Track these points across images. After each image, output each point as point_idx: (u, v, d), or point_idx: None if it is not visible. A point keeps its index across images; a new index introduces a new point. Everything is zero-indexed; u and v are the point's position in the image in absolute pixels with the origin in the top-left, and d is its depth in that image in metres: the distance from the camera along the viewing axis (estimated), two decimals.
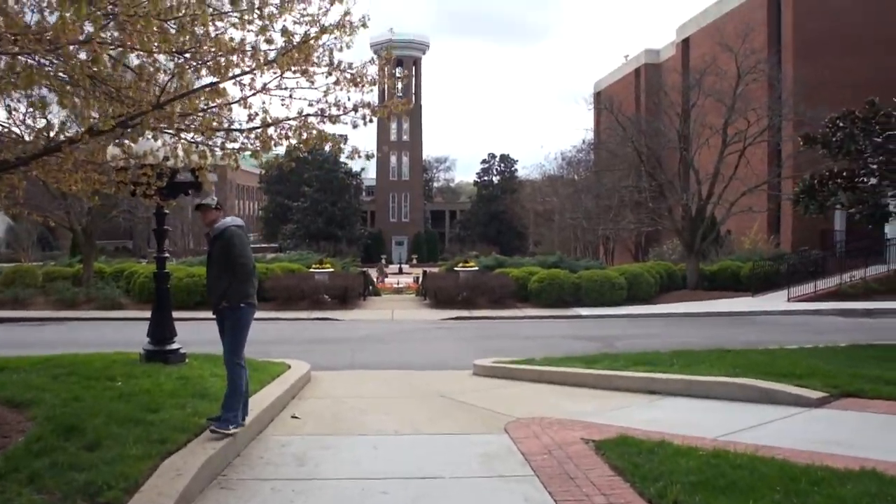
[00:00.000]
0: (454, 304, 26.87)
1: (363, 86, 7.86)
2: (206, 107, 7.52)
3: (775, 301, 28.06)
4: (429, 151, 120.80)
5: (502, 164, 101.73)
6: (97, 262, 32.33)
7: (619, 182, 38.74)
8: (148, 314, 23.23)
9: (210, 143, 8.21)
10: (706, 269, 31.18)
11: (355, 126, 8.60)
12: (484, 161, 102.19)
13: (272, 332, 21.18)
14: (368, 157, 8.72)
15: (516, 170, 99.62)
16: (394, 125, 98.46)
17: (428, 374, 13.29)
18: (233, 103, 7.74)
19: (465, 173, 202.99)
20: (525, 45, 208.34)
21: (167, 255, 12.65)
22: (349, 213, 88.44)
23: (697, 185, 30.86)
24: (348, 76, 7.67)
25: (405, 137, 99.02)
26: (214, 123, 7.65)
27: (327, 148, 8.25)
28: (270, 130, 8.14)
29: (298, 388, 11.28)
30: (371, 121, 8.57)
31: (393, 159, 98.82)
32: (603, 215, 44.96)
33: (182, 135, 8.29)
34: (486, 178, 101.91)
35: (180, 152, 8.71)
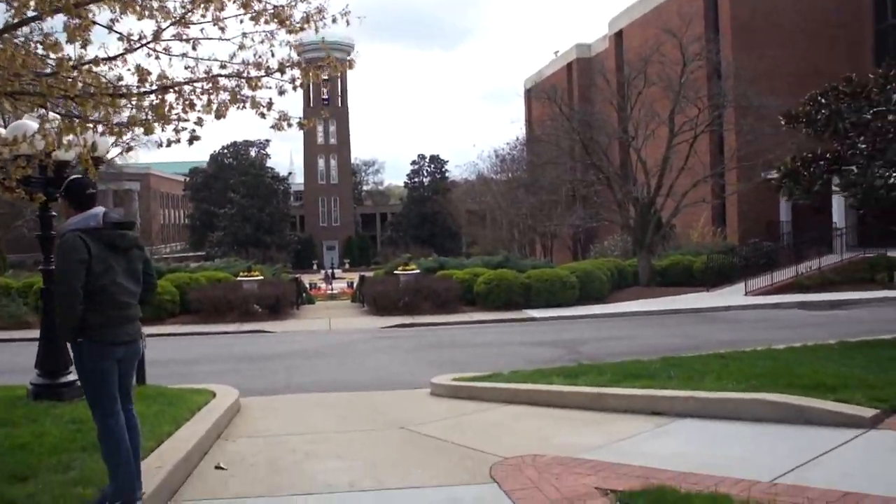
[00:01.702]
0: (395, 311, 24.91)
1: (291, 28, 5.95)
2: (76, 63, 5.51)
3: (733, 295, 26.80)
4: (357, 154, 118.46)
5: (432, 165, 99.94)
6: (4, 276, 29.54)
7: (561, 177, 37.21)
8: None
9: (91, 117, 6.20)
10: (657, 264, 29.82)
11: (282, 92, 6.71)
12: (414, 162, 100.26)
13: (196, 349, 19.01)
14: (301, 125, 6.78)
15: (447, 170, 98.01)
16: (320, 128, 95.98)
17: (379, 396, 11.34)
18: (115, 58, 5.75)
19: (394, 176, 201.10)
20: (448, 49, 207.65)
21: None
22: (278, 218, 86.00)
23: (646, 177, 29.44)
24: (270, 8, 5.73)
25: (332, 140, 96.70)
26: (89, 88, 5.62)
27: (249, 108, 6.26)
28: (170, 97, 6.16)
29: (225, 422, 9.26)
30: (301, 85, 6.69)
31: (321, 163, 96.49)
32: (546, 211, 43.42)
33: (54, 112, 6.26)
34: (416, 179, 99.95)
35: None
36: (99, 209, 5.58)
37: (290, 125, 6.62)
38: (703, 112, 29.79)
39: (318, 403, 10.87)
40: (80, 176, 6.15)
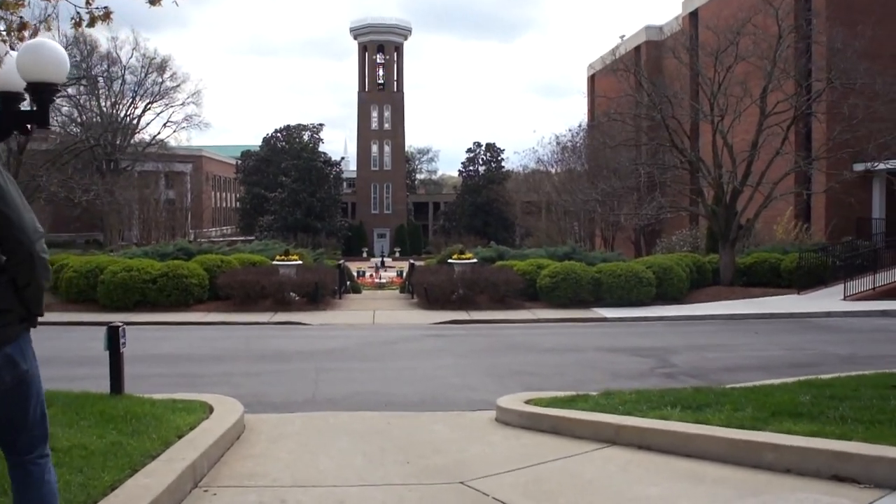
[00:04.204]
0: (448, 304, 22.14)
1: None
2: None
3: (829, 299, 23.56)
4: (411, 142, 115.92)
5: (488, 154, 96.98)
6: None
7: (635, 161, 34.00)
8: (76, 317, 18.02)
9: None
10: (740, 261, 26.61)
11: None
12: (469, 150, 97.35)
13: (217, 343, 16.46)
14: None
15: (503, 159, 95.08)
16: (375, 113, 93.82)
17: (427, 421, 8.57)
18: None
19: (448, 167, 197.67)
20: (505, 41, 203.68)
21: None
22: (329, 203, 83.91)
23: (732, 163, 26.20)
24: None
25: (387, 126, 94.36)
26: None
27: None
28: None
29: (214, 457, 6.62)
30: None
31: (374, 148, 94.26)
32: (613, 201, 40.22)
33: None
34: (471, 167, 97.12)
35: None
36: None
37: None
38: (801, 90, 26.50)
39: (346, 429, 8.15)
40: None
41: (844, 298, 23.50)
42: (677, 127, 27.27)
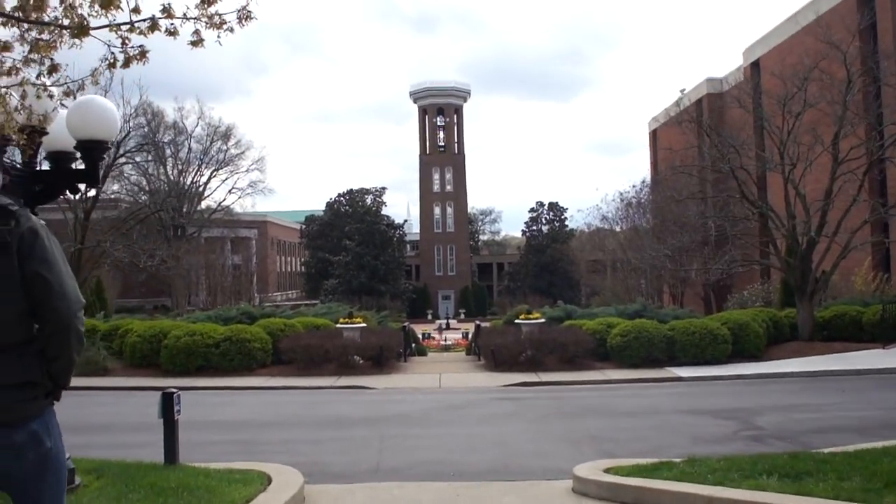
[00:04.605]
0: (516, 366, 21.47)
1: None
2: None
3: None
4: (473, 203, 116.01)
5: (551, 213, 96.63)
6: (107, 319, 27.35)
7: (703, 214, 33.12)
8: (139, 381, 17.99)
9: None
10: (818, 315, 25.46)
11: None
12: (532, 210, 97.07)
13: (279, 408, 16.08)
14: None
15: (566, 218, 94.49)
16: (436, 175, 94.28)
17: (498, 493, 7.96)
18: None
19: (511, 227, 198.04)
20: (562, 101, 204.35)
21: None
22: (393, 266, 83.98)
23: (805, 212, 25.24)
24: None
25: (448, 188, 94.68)
26: None
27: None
28: None
29: None
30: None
31: (437, 210, 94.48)
32: (680, 256, 39.26)
33: None
34: (534, 227, 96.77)
35: None
36: None
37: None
38: (874, 134, 25.58)
39: (412, 500, 7.63)
40: None
41: None
42: (746, 178, 26.47)
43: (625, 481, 7.37)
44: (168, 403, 8.07)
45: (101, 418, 14.21)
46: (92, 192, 37.35)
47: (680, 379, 19.62)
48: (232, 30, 3.67)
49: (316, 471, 9.19)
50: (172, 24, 3.51)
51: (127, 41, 3.53)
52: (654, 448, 10.42)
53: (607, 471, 7.97)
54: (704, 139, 29.47)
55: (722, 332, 21.71)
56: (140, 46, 3.51)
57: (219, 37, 3.67)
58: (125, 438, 11.96)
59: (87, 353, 21.94)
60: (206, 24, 3.62)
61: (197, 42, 3.67)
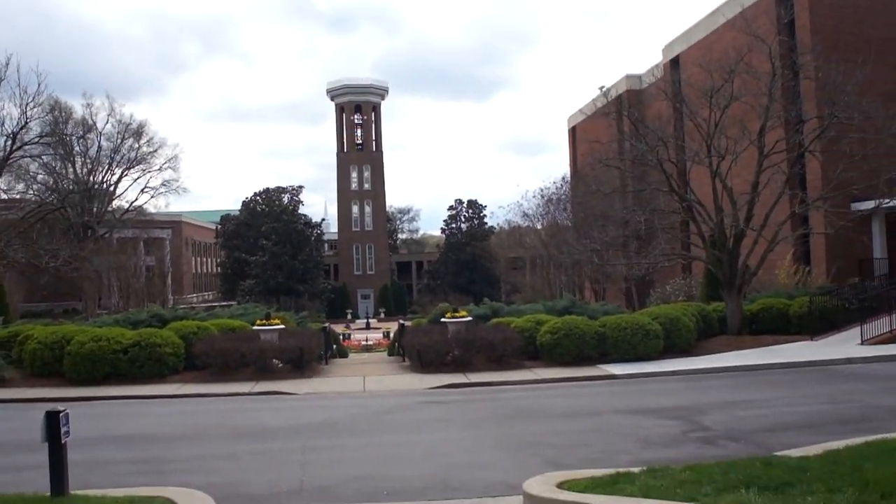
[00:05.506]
0: (444, 367, 20.56)
1: None
2: None
3: (845, 345, 22.20)
4: (392, 202, 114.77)
5: (470, 210, 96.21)
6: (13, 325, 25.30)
7: (628, 210, 32.71)
8: (40, 392, 16.83)
9: None
10: (746, 308, 25.26)
11: None
12: (451, 207, 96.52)
13: (192, 418, 14.85)
14: None
15: (485, 216, 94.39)
16: (354, 173, 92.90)
17: None
18: None
19: (429, 226, 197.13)
20: (479, 100, 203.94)
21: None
22: (311, 266, 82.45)
23: (732, 206, 24.97)
24: None
25: (367, 186, 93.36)
26: None
27: None
28: None
29: None
30: None
31: (355, 209, 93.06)
32: (612, 250, 39.00)
33: None
34: (453, 225, 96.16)
35: None
36: None
37: None
38: (799, 126, 25.49)
39: None
40: None
41: (862, 343, 22.17)
42: (673, 170, 26.10)
43: (585, 500, 6.51)
44: (54, 424, 6.84)
45: None
46: None
47: (614, 376, 19.00)
48: None
49: (232, 493, 8.16)
50: None
51: None
52: (602, 455, 9.68)
53: (560, 486, 7.11)
54: (626, 133, 29.02)
55: (654, 327, 21.21)
56: None
57: None
58: (18, 459, 10.68)
59: None
60: None
61: None
